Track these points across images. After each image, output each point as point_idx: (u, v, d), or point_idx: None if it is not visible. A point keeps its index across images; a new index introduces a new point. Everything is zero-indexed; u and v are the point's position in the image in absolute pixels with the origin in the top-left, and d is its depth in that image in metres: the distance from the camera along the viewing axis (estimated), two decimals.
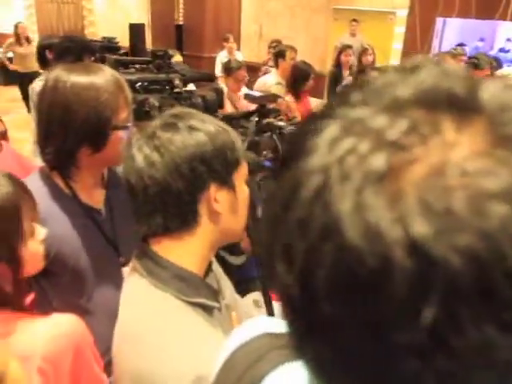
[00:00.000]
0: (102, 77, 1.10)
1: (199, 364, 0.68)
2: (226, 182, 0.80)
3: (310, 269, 0.27)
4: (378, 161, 0.26)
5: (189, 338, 0.74)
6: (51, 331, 0.84)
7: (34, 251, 0.92)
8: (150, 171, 0.75)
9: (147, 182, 0.76)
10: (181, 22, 8.58)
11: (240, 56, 6.74)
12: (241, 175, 0.84)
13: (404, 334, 0.24)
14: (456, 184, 0.24)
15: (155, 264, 0.80)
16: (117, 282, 1.26)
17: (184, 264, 0.80)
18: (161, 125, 0.78)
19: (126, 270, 1.27)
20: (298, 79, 3.60)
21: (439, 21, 6.08)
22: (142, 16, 9.44)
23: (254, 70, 5.51)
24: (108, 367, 1.13)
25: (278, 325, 0.55)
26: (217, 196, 0.79)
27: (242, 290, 1.24)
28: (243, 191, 0.85)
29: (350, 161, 0.26)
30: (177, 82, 1.48)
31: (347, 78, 4.90)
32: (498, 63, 4.19)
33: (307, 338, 0.30)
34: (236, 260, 1.39)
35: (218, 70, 6.66)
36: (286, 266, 0.28)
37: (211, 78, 1.70)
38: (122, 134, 1.14)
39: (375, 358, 0.26)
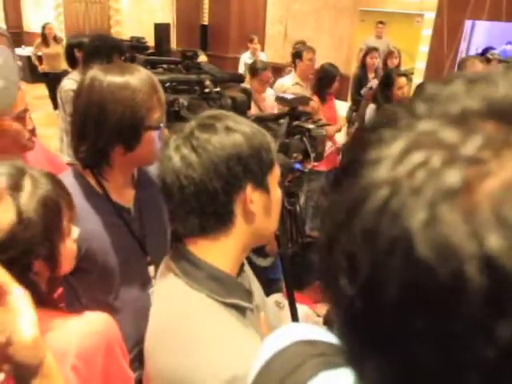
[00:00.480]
0: (137, 77, 1.11)
1: (235, 363, 0.69)
2: (261, 183, 0.81)
3: (376, 281, 0.26)
4: (453, 176, 0.25)
5: (224, 337, 0.74)
6: (84, 329, 0.84)
7: (69, 250, 0.93)
8: (187, 171, 0.76)
9: (184, 182, 0.76)
10: (205, 22, 8.63)
11: (264, 57, 6.74)
12: (274, 177, 0.84)
13: (474, 352, 0.24)
14: None
15: (191, 264, 0.81)
16: (143, 281, 1.27)
17: (219, 265, 0.81)
18: (198, 125, 0.79)
19: (151, 269, 1.28)
20: (324, 81, 3.58)
21: (468, 23, 5.97)
22: (167, 16, 9.52)
23: (278, 71, 5.50)
24: (133, 363, 1.14)
25: (312, 332, 0.55)
26: (252, 197, 0.79)
27: (266, 291, 1.24)
28: (276, 193, 0.86)
29: (422, 175, 0.26)
30: (207, 82, 1.48)
31: (372, 81, 4.86)
32: None
33: (368, 351, 0.29)
34: (263, 262, 1.38)
35: (242, 71, 6.69)
36: (348, 276, 0.28)
37: (241, 79, 1.70)
38: (154, 134, 1.15)
39: (441, 376, 0.25)
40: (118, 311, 1.21)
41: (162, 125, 1.16)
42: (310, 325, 0.59)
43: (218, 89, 1.62)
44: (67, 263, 0.94)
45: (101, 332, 0.88)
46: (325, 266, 0.31)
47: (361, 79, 5.09)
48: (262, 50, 7.23)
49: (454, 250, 0.24)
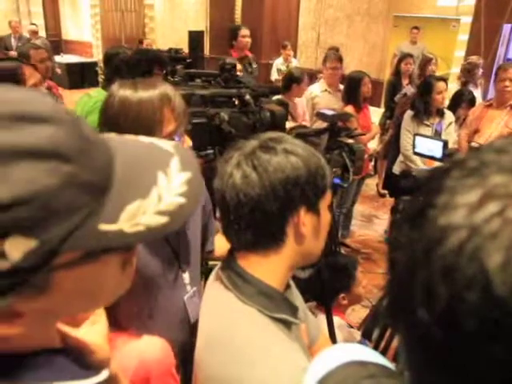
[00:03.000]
0: (148, 92, 1.13)
1: (282, 375, 0.71)
2: (314, 206, 0.83)
3: (453, 314, 0.29)
4: None
5: (272, 350, 0.77)
6: (142, 355, 0.86)
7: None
8: (246, 189, 0.79)
9: (242, 199, 0.79)
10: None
11: (296, 63, 6.76)
12: (326, 201, 0.87)
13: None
14: None
15: (241, 279, 0.84)
16: (177, 289, 1.30)
17: (267, 280, 0.84)
18: (260, 146, 0.82)
19: (186, 277, 1.32)
20: (351, 88, 3.57)
21: (506, 28, 5.84)
22: (201, 23, 9.66)
23: (310, 77, 5.50)
24: None
25: (363, 353, 0.57)
26: (304, 219, 0.82)
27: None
28: (326, 216, 0.88)
29: (498, 222, 0.29)
30: (247, 97, 1.52)
31: (406, 87, 4.81)
32: None
33: (439, 376, 0.32)
34: (301, 273, 1.41)
35: (275, 76, 6.73)
36: (427, 308, 0.31)
37: (278, 91, 1.73)
38: None
39: None
40: (154, 318, 1.24)
41: (174, 136, 1.15)
42: (359, 345, 0.61)
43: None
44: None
45: (157, 359, 0.89)
46: (401, 297, 0.34)
47: (395, 86, 5.03)
48: (295, 56, 7.24)
49: None
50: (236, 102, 1.69)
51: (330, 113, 1.38)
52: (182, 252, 1.31)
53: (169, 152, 0.51)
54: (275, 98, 2.05)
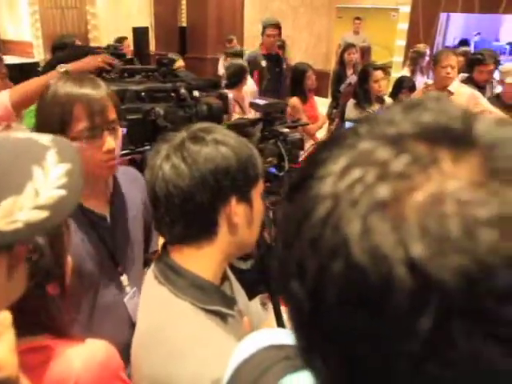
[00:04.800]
0: (58, 90, 1.12)
1: (214, 369, 0.71)
2: (246, 196, 0.83)
3: (320, 285, 0.30)
4: (383, 190, 0.28)
5: (205, 343, 0.76)
6: (86, 359, 0.83)
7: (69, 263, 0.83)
8: (176, 180, 0.78)
9: (172, 191, 0.78)
10: (184, 24, 8.60)
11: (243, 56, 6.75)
12: (258, 190, 0.87)
13: (402, 343, 0.27)
14: (452, 211, 0.27)
15: (174, 272, 0.83)
16: (116, 290, 1.28)
17: (201, 273, 0.83)
18: (189, 137, 0.81)
19: (124, 279, 1.29)
20: (296, 80, 3.63)
21: (443, 16, 6.06)
22: (145, 19, 9.47)
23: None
24: None
25: (281, 336, 0.57)
26: (236, 209, 0.82)
27: (250, 293, 1.27)
28: (259, 205, 0.88)
29: (358, 189, 0.29)
30: (182, 90, 1.50)
31: (351, 77, 4.90)
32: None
33: (316, 348, 0.33)
34: (243, 264, 1.41)
35: (222, 71, 6.69)
36: (299, 282, 0.31)
37: (217, 85, 1.72)
38: (84, 144, 1.11)
39: (377, 367, 0.29)
40: (93, 319, 1.22)
41: (86, 135, 1.12)
42: (282, 329, 0.62)
43: (197, 94, 1.64)
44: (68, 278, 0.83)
45: (103, 362, 0.86)
46: (280, 271, 0.34)
47: (340, 76, 5.13)
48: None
49: (384, 256, 0.27)
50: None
51: (263, 102, 1.38)
52: (119, 253, 1.28)
53: (44, 145, 0.49)
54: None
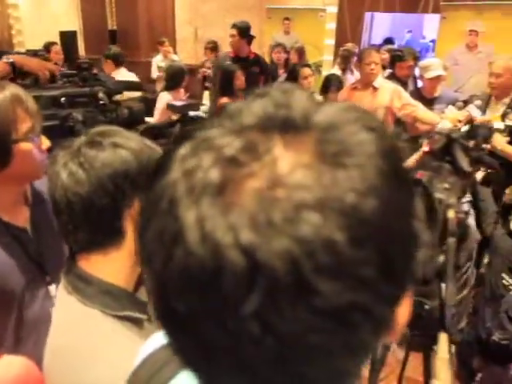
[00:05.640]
0: None
1: (123, 372, 0.71)
2: None
3: (165, 272, 0.30)
4: (214, 174, 0.29)
5: (113, 349, 0.75)
6: (1, 375, 0.80)
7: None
8: (74, 188, 0.77)
9: (72, 199, 0.77)
10: (114, 27, 8.40)
11: (176, 59, 6.70)
12: None
13: (239, 322, 0.28)
14: (277, 196, 0.28)
15: (81, 280, 0.81)
16: (44, 301, 1.25)
17: (111, 279, 0.82)
18: (86, 142, 0.80)
19: (52, 289, 1.26)
20: (226, 80, 3.66)
21: (368, 16, 6.30)
22: (73, 23, 9.15)
23: (192, 73, 5.49)
24: None
25: None
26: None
27: None
28: None
29: (196, 175, 0.30)
30: (100, 94, 1.48)
31: (282, 76, 5.00)
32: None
33: (173, 334, 0.34)
34: None
35: (156, 74, 6.60)
36: (150, 270, 0.32)
37: (139, 88, 1.71)
38: (27, 146, 1.13)
39: (224, 345, 0.30)
40: (21, 332, 1.19)
41: (31, 135, 1.13)
42: None
43: (116, 98, 1.62)
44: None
45: (20, 377, 0.84)
46: (142, 265, 0.35)
47: (272, 75, 5.20)
48: (174, 52, 7.17)
49: (216, 242, 0.28)
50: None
51: (180, 103, 1.39)
52: (47, 263, 1.25)
53: None
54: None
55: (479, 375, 2.63)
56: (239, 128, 0.32)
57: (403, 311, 0.36)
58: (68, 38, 7.76)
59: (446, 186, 0.85)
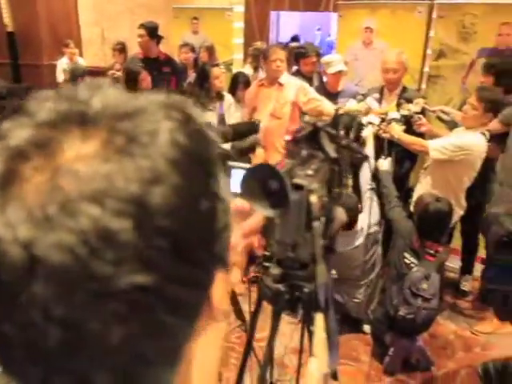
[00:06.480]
0: None
1: None
2: None
3: None
4: None
5: None
6: None
7: None
8: None
9: None
10: (11, 29, 7.88)
11: (82, 61, 6.45)
12: None
13: (22, 312, 0.28)
14: (57, 188, 0.28)
15: None
16: None
17: None
18: None
19: None
20: (130, 82, 3.59)
21: (274, 14, 6.45)
22: None
23: (100, 75, 5.31)
24: None
25: None
26: None
27: None
28: None
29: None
30: None
31: (191, 75, 4.98)
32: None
33: None
34: None
35: (61, 77, 6.29)
36: None
37: (23, 92, 1.62)
38: None
39: (15, 338, 0.29)
40: None
41: None
42: None
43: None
44: None
45: None
46: None
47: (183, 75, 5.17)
48: (80, 54, 6.90)
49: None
50: None
51: None
52: None
53: None
54: None
55: (391, 350, 2.81)
56: (34, 124, 0.31)
57: (216, 291, 0.37)
58: None
59: (309, 172, 0.90)
